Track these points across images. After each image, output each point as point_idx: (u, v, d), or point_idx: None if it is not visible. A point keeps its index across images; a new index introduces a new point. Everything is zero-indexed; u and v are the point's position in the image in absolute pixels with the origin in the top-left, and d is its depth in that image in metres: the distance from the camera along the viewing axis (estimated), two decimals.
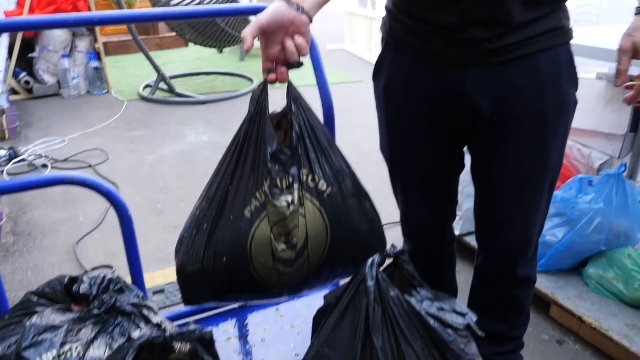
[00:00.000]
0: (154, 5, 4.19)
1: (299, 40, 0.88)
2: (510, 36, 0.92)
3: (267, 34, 0.87)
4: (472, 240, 1.97)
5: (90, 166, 2.90)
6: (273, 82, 0.91)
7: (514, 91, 0.96)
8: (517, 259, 1.14)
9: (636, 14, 0.95)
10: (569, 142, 2.29)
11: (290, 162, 0.95)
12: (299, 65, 0.90)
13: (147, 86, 4.47)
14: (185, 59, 5.79)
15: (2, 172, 2.83)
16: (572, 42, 0.99)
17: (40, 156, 3.04)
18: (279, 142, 0.94)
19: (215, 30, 4.07)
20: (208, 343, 0.83)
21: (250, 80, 4.71)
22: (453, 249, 1.30)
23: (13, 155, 3.01)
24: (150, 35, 6.16)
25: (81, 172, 1.90)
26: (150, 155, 3.08)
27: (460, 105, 0.99)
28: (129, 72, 5.07)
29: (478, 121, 1.00)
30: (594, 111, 2.15)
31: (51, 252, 2.10)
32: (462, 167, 1.15)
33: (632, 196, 1.73)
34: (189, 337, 0.81)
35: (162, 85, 4.32)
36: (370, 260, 0.88)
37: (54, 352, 0.85)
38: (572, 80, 1.02)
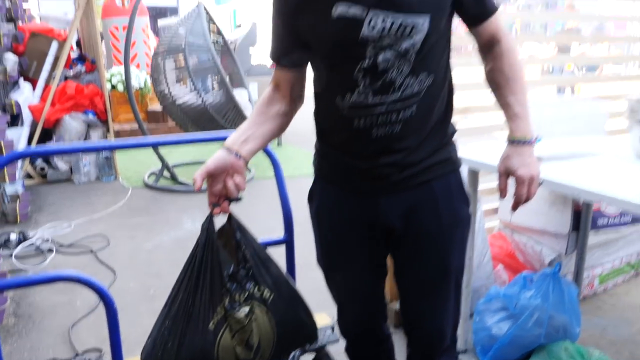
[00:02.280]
0: (161, 102, 4.60)
1: (238, 179, 1.14)
2: (410, 170, 1.18)
3: (212, 176, 1.13)
4: None
5: (91, 251, 3.15)
6: (218, 214, 1.16)
7: (416, 212, 1.21)
8: (434, 350, 1.34)
9: (507, 143, 1.21)
10: (524, 239, 2.51)
11: (245, 280, 1.19)
12: (238, 199, 1.15)
13: (152, 174, 4.80)
14: (190, 147, 6.17)
15: (11, 255, 3.08)
16: None
17: (47, 240, 3.30)
18: (235, 262, 1.19)
19: (214, 125, 4.44)
20: None
21: (249, 169, 5.04)
22: (389, 345, 1.49)
23: (22, 239, 3.27)
24: (159, 123, 6.60)
25: (74, 271, 2.13)
26: (148, 242, 3.33)
27: (378, 226, 1.23)
28: (136, 159, 5.43)
29: (393, 237, 1.24)
30: (541, 211, 2.39)
31: (48, 334, 2.30)
32: (386, 273, 1.38)
33: (567, 293, 1.92)
34: None
35: (166, 172, 4.65)
36: (291, 354, 1.09)
37: None
38: (464, 200, 1.27)
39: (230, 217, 1.19)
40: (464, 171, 1.98)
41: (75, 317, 2.41)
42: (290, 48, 1.17)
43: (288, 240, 1.59)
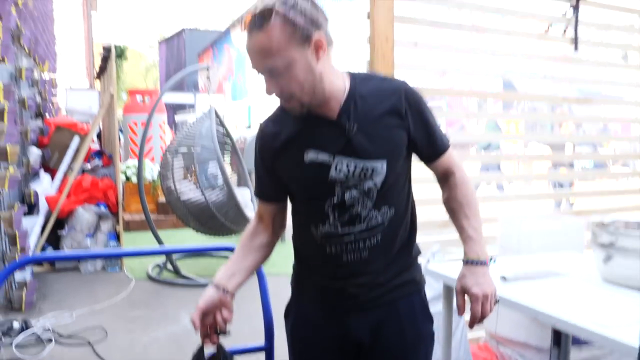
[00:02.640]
0: (166, 197, 4.86)
1: (225, 314, 1.30)
2: (377, 290, 1.34)
3: (204, 313, 1.29)
4: None
5: (89, 343, 3.23)
6: (207, 344, 1.30)
7: (383, 329, 1.35)
8: None
9: (463, 263, 1.35)
10: (508, 351, 2.58)
11: None
12: (226, 333, 1.30)
13: (156, 266, 4.94)
14: (196, 239, 6.34)
15: (11, 343, 3.18)
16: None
17: (48, 330, 3.40)
18: None
19: (215, 222, 4.65)
20: None
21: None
22: None
23: (24, 327, 3.37)
24: (168, 215, 6.82)
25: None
26: (145, 336, 3.41)
27: (348, 341, 1.36)
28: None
29: (362, 352, 1.37)
30: (523, 324, 2.48)
31: None
32: None
33: None
34: None
35: (170, 265, 4.79)
36: None
37: None
38: (427, 318, 1.41)
39: (219, 348, 1.32)
40: (439, 286, 2.12)
41: None
42: (271, 186, 1.38)
43: (268, 348, 1.71)
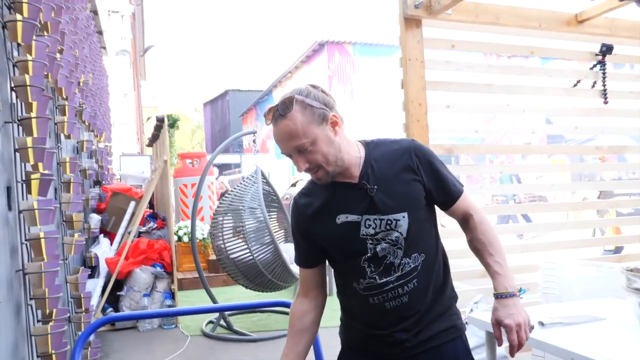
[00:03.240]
0: (217, 255, 5.09)
1: None
2: (422, 334, 1.48)
3: None
4: None
5: None
6: None
7: None
8: None
9: (494, 298, 1.48)
10: None
11: None
12: None
13: (210, 322, 5.12)
14: (247, 294, 6.52)
15: None
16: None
17: None
18: None
19: (263, 279, 4.84)
20: None
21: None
22: None
23: None
24: (218, 273, 7.06)
25: None
26: None
27: None
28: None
29: None
30: None
31: None
32: None
33: None
34: None
35: (223, 321, 4.97)
36: None
37: None
38: None
39: None
40: (482, 334, 2.22)
41: None
42: (310, 252, 1.58)
43: None
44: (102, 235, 6.08)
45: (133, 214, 6.05)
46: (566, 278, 2.66)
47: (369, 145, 1.55)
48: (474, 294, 2.61)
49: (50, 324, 2.68)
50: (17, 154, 2.57)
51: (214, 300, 5.00)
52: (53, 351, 2.64)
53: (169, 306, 5.19)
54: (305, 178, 8.17)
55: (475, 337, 2.41)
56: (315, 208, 1.53)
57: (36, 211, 2.55)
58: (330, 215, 1.49)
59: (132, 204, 6.15)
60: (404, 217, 1.45)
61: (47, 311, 2.70)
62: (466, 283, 2.93)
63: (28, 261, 2.69)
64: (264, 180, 5.39)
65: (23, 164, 2.65)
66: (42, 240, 2.62)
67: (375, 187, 1.47)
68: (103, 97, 8.53)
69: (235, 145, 29.38)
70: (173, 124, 6.50)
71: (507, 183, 8.24)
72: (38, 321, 2.79)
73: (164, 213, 6.53)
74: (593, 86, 3.08)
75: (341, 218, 1.48)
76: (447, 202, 1.55)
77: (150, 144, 8.46)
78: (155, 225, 6.33)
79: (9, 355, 2.47)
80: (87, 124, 5.94)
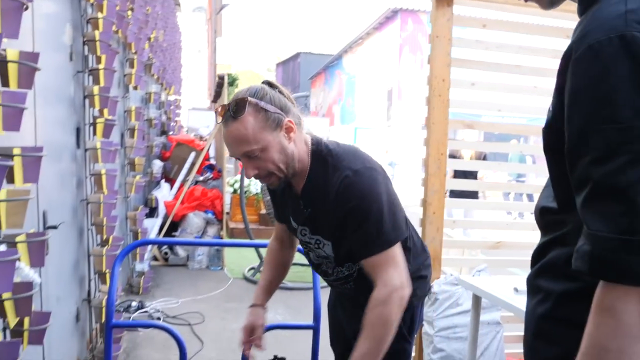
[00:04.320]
0: (266, 209, 5.44)
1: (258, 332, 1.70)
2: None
3: (248, 329, 1.71)
4: None
5: (189, 324, 3.86)
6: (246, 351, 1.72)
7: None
8: None
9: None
10: None
11: None
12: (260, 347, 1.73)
13: (252, 268, 5.56)
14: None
15: (129, 318, 3.88)
16: None
17: (158, 311, 4.09)
18: None
19: None
20: None
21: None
22: None
23: (140, 306, 4.09)
24: (268, 227, 7.49)
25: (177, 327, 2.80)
26: (235, 324, 3.98)
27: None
28: (242, 255, 6.26)
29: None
30: None
31: None
32: None
33: None
34: None
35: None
36: None
37: None
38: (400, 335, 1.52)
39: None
40: (470, 294, 2.42)
41: None
42: (279, 213, 1.70)
43: (315, 327, 2.13)
44: (163, 181, 6.62)
45: (193, 164, 6.53)
46: None
47: (315, 158, 1.45)
48: (479, 263, 2.80)
49: (107, 247, 3.12)
50: (86, 100, 2.97)
51: (257, 250, 5.41)
52: (107, 270, 3.09)
53: (217, 250, 5.66)
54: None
55: (470, 300, 2.61)
56: (279, 194, 1.60)
57: (99, 150, 2.96)
58: (286, 206, 1.58)
59: (193, 154, 6.63)
60: (329, 244, 1.50)
61: (105, 236, 3.15)
62: (475, 253, 3.11)
63: (90, 193, 3.12)
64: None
65: (91, 109, 3.05)
66: (103, 176, 3.04)
67: (309, 210, 1.49)
68: (174, 53, 9.04)
69: (303, 107, 29.71)
70: (232, 82, 6.87)
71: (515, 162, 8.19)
72: (97, 244, 3.25)
73: (221, 165, 6.98)
74: None
75: (291, 218, 1.58)
76: (354, 257, 1.46)
77: (214, 100, 8.91)
78: (211, 176, 6.80)
79: (72, 270, 2.94)
80: (156, 77, 6.41)
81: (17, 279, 1.61)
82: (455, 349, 2.56)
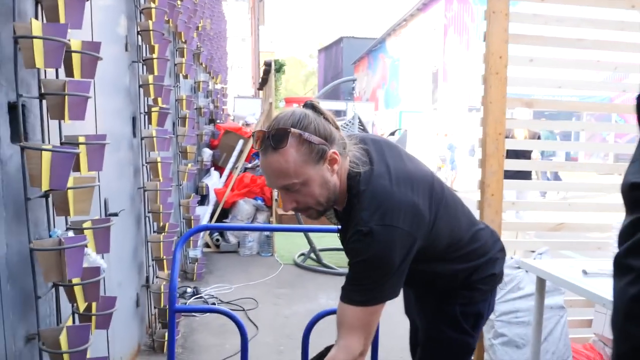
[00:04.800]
0: None
1: None
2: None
3: None
4: None
5: (243, 309, 3.92)
6: None
7: None
8: None
9: None
10: None
11: None
12: None
13: (301, 254, 5.58)
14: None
15: (185, 303, 3.97)
16: None
17: (212, 296, 4.17)
18: None
19: None
20: None
21: None
22: None
23: (195, 292, 4.18)
24: None
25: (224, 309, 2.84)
26: (287, 309, 4.01)
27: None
28: (291, 241, 6.30)
29: None
30: None
31: None
32: None
33: None
34: None
35: (313, 254, 5.40)
36: None
37: None
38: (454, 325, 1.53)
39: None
40: (532, 278, 2.34)
41: (224, 355, 3.12)
42: None
43: None
44: (213, 169, 6.72)
45: (241, 151, 6.60)
46: None
47: (349, 191, 1.35)
48: (540, 245, 2.70)
49: (163, 234, 3.19)
50: (141, 89, 3.02)
51: (307, 236, 5.43)
52: (164, 256, 3.16)
53: (267, 236, 5.72)
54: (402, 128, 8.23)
55: (532, 284, 2.53)
56: None
57: (154, 139, 3.02)
58: None
59: (241, 141, 6.69)
60: None
61: (161, 224, 3.21)
62: (536, 235, 3.01)
63: (147, 180, 3.19)
64: (361, 127, 5.62)
65: (145, 98, 3.11)
66: (159, 164, 3.10)
67: (342, 236, 1.44)
68: (220, 42, 9.12)
69: (346, 92, 29.62)
70: (279, 68, 6.87)
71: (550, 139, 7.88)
72: (154, 231, 3.32)
73: None
74: None
75: None
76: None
77: (260, 87, 8.96)
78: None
79: (131, 257, 3.01)
80: (204, 66, 6.49)
81: (84, 265, 1.66)
82: (517, 333, 2.50)
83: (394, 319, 2.45)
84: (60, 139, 1.72)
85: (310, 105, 1.32)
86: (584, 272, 1.99)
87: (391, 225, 1.26)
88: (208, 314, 3.79)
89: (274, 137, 1.23)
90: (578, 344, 2.79)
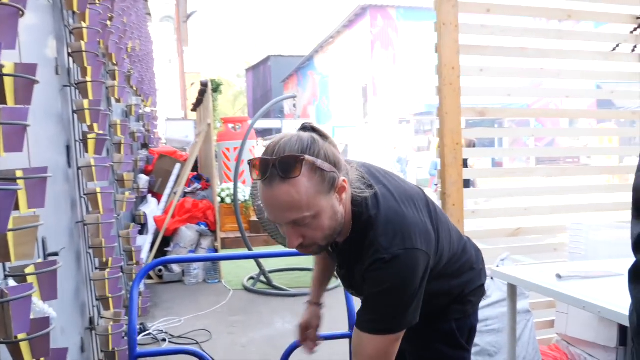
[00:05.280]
0: (257, 214, 5.31)
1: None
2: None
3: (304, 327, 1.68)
4: None
5: (197, 343, 3.69)
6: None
7: None
8: None
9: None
10: (578, 351, 2.71)
11: None
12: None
13: (251, 278, 5.40)
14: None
15: None
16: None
17: (162, 332, 3.91)
18: None
19: None
20: None
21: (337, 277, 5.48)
22: None
23: (142, 329, 3.90)
24: (259, 234, 7.33)
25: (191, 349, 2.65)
26: (243, 337, 3.83)
27: None
28: (238, 265, 6.09)
29: None
30: (592, 325, 2.60)
31: None
32: None
33: None
34: None
35: (263, 277, 5.23)
36: None
37: None
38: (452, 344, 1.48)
39: None
40: (505, 288, 2.32)
41: None
42: None
43: (351, 336, 2.01)
44: (150, 195, 6.41)
45: (179, 176, 6.34)
46: (593, 240, 2.72)
47: (355, 219, 1.25)
48: (500, 252, 2.71)
49: (107, 270, 2.94)
50: (75, 115, 2.79)
51: (254, 257, 5.25)
52: (110, 295, 2.91)
53: (213, 263, 5.49)
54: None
55: (499, 291, 2.52)
56: None
57: (93, 168, 2.78)
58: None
59: (178, 166, 6.44)
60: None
61: (104, 259, 2.97)
62: (493, 243, 3.03)
63: (86, 213, 2.94)
64: None
65: (80, 125, 2.87)
66: (99, 195, 2.86)
67: (344, 271, 1.39)
68: (149, 63, 8.80)
69: (277, 110, 29.63)
70: (216, 88, 6.70)
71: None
72: (96, 268, 3.06)
73: (208, 175, 6.80)
74: (633, 50, 3.06)
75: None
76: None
77: (194, 109, 8.72)
78: (200, 186, 6.61)
79: (72, 297, 2.75)
80: (135, 88, 6.19)
81: (31, 316, 1.45)
82: (489, 342, 2.47)
83: None
84: None
85: (312, 128, 1.19)
86: (558, 277, 1.98)
87: (413, 248, 1.18)
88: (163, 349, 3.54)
89: (282, 166, 1.08)
90: (543, 345, 2.80)
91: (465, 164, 5.87)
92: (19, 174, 1.50)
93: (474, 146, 5.75)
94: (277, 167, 1.08)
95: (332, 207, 1.16)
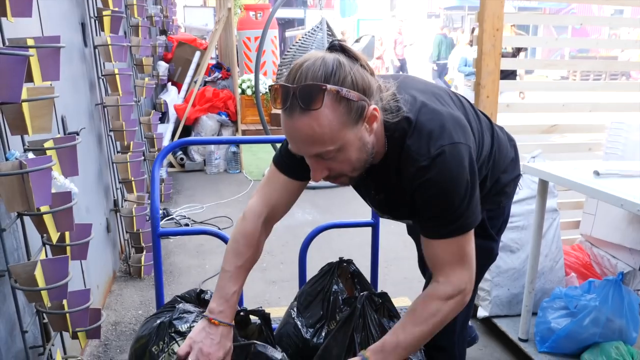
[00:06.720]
0: None
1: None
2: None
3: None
4: (501, 323, 2.42)
5: (218, 228, 3.76)
6: None
7: None
8: None
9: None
10: (601, 252, 2.68)
11: None
12: None
13: None
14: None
15: None
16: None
17: (184, 217, 3.98)
18: None
19: None
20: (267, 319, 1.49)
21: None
22: None
23: (166, 214, 3.97)
24: (279, 127, 7.26)
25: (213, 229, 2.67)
26: None
27: None
28: (259, 156, 6.10)
29: None
30: (619, 227, 2.55)
31: (183, 287, 2.89)
32: None
33: (628, 300, 2.10)
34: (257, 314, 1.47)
35: None
36: None
37: (189, 324, 1.54)
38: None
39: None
40: (535, 186, 2.24)
41: (205, 277, 2.99)
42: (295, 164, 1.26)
43: (374, 223, 1.99)
44: (169, 84, 6.29)
45: (198, 64, 6.17)
46: (632, 140, 2.59)
47: (391, 142, 1.14)
48: (534, 148, 2.60)
49: (129, 154, 2.92)
50: None
51: (275, 148, 5.23)
52: (132, 178, 2.91)
53: (234, 153, 5.48)
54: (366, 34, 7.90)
55: (527, 189, 2.45)
56: None
57: (110, 47, 2.67)
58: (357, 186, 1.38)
59: (197, 54, 6.24)
60: (407, 220, 1.38)
61: (125, 142, 2.93)
62: (528, 138, 2.91)
63: (105, 95, 2.87)
64: (329, 32, 5.29)
65: (95, 0, 2.71)
66: (117, 77, 2.77)
67: (382, 195, 1.27)
68: None
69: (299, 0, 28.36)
70: None
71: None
72: (118, 152, 3.05)
73: (228, 64, 6.61)
74: None
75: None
76: (423, 234, 1.19)
77: None
78: (220, 75, 6.46)
79: (95, 179, 2.75)
80: None
81: (53, 190, 1.42)
82: (512, 238, 2.44)
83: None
84: (3, 42, 1.42)
85: (340, 48, 1.04)
86: (596, 173, 1.89)
87: (452, 143, 1.09)
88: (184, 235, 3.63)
89: (303, 96, 0.97)
90: (566, 245, 2.78)
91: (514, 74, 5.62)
92: (30, 42, 1.41)
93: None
94: (298, 97, 0.97)
95: (361, 138, 1.06)
